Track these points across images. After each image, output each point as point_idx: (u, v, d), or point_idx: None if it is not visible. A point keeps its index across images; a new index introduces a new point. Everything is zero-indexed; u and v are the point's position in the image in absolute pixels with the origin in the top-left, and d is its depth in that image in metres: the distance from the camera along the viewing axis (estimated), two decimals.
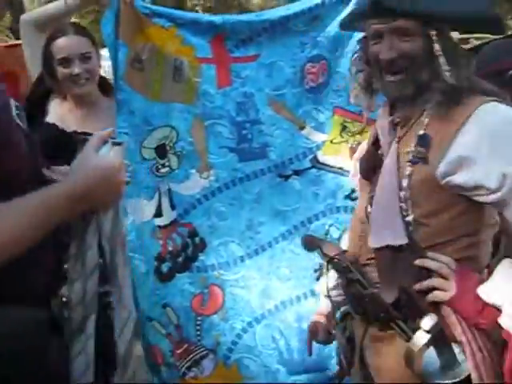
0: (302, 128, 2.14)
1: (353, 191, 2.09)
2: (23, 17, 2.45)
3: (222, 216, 2.04)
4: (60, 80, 2.13)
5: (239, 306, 2.04)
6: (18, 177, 1.15)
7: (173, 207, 2.01)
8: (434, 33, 1.35)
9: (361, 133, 2.11)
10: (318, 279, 2.04)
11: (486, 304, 1.26)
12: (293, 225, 2.10)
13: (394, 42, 1.37)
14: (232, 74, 2.05)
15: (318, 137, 2.14)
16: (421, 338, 1.25)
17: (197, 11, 17.88)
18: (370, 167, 1.49)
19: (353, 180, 2.00)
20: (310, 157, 2.14)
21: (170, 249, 2.02)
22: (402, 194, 1.37)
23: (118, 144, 1.16)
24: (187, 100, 2.00)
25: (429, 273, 1.33)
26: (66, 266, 1.30)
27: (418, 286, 1.33)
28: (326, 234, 2.11)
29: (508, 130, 1.31)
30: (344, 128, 2.13)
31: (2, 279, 1.10)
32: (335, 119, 2.14)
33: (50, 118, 2.17)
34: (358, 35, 1.81)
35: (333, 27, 2.07)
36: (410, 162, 1.37)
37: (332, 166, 2.14)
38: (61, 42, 2.07)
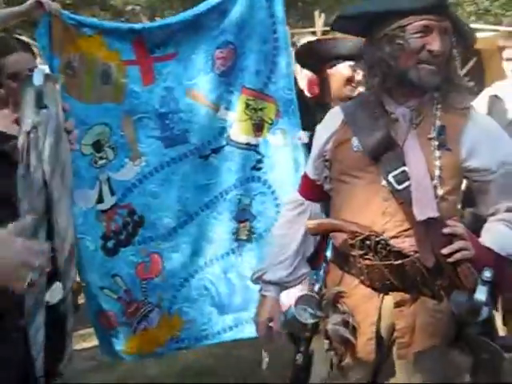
0: (217, 110, 2.40)
1: (258, 162, 2.42)
2: None
3: (155, 195, 2.35)
4: (6, 92, 2.19)
5: (175, 267, 2.41)
6: None
7: (112, 193, 2.30)
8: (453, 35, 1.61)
9: (262, 109, 2.39)
10: (235, 240, 2.44)
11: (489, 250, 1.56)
12: (214, 196, 2.43)
13: (443, 37, 1.58)
14: (155, 72, 2.30)
15: (230, 116, 2.41)
16: (482, 289, 1.48)
17: None
18: (381, 148, 1.62)
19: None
20: (225, 135, 2.43)
21: (113, 228, 2.32)
22: (436, 173, 1.59)
23: (54, 79, 1.24)
24: (116, 99, 2.26)
25: (450, 239, 1.54)
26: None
27: (447, 250, 1.53)
28: (239, 202, 2.45)
29: (498, 127, 1.67)
30: (247, 106, 2.39)
31: None
32: (240, 98, 2.40)
33: None
34: (259, 16, 2.23)
35: (236, 12, 2.30)
36: (437, 147, 1.60)
37: (240, 143, 2.43)
38: (12, 58, 2.14)
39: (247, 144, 2.43)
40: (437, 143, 1.60)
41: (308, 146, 2.25)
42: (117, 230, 2.30)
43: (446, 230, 1.55)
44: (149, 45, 2.30)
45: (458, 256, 1.53)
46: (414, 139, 1.62)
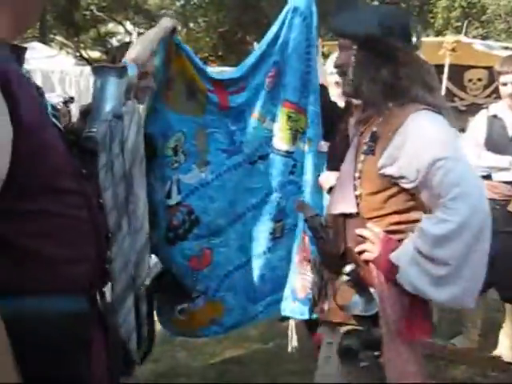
0: (264, 121, 2.69)
1: (293, 167, 2.70)
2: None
3: (212, 200, 2.60)
4: None
5: (222, 260, 2.65)
6: (60, 175, 1.20)
7: (178, 192, 2.56)
8: (355, 47, 1.74)
9: (297, 120, 2.68)
10: (272, 239, 2.71)
11: (393, 263, 1.65)
12: (260, 198, 2.71)
13: (340, 53, 1.83)
14: (230, 102, 2.62)
15: (275, 126, 2.70)
16: (343, 277, 1.75)
17: (91, 10, 17.91)
18: (343, 154, 1.88)
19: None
20: (270, 143, 2.71)
21: (174, 223, 2.56)
22: (356, 174, 1.74)
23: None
24: (196, 114, 2.58)
25: (365, 238, 1.71)
26: (108, 257, 1.39)
27: (357, 248, 1.72)
28: (278, 204, 2.71)
29: (422, 136, 1.63)
30: (289, 117, 2.69)
31: (46, 271, 1.17)
32: (283, 110, 2.69)
33: None
34: (298, 38, 2.54)
35: (282, 35, 2.58)
36: (363, 152, 1.73)
37: (281, 150, 2.70)
38: None
39: (286, 151, 2.70)
40: (365, 148, 1.73)
41: (327, 154, 2.62)
42: (177, 225, 2.54)
43: (356, 231, 1.72)
44: (225, 82, 2.62)
45: (362, 256, 1.72)
46: (353, 145, 1.81)
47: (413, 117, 1.64)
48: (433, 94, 1.71)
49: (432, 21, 17.82)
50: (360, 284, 1.74)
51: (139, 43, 2.23)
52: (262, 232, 2.72)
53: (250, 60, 2.64)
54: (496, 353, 3.42)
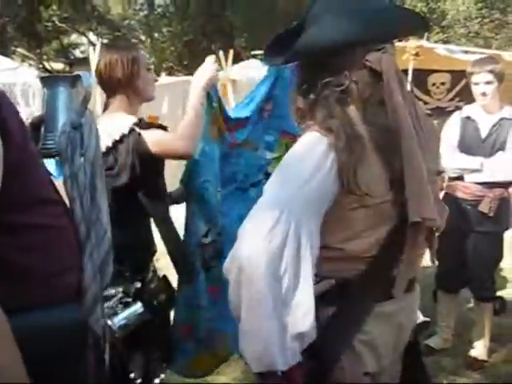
0: (257, 149, 2.72)
1: None
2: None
3: None
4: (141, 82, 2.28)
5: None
6: (43, 185, 1.25)
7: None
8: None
9: None
10: None
11: None
12: None
13: None
14: (237, 139, 2.63)
15: (269, 155, 2.74)
16: None
17: (53, 21, 17.59)
18: None
19: None
20: (263, 171, 2.73)
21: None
22: None
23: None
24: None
25: None
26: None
27: None
28: None
29: (286, 162, 1.48)
30: (287, 147, 2.60)
31: (38, 285, 1.17)
32: (281, 141, 2.75)
33: None
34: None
35: (279, 69, 2.60)
36: None
37: None
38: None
39: None
40: None
41: None
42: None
43: None
44: (233, 121, 2.62)
45: None
46: None
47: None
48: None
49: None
50: None
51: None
52: None
53: (256, 98, 2.66)
54: (470, 352, 3.45)
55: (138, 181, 2.12)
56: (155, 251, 2.36)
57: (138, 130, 2.12)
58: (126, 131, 2.11)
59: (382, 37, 1.45)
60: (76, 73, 1.87)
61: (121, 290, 2.12)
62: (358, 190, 1.36)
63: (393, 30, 1.50)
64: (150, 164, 2.14)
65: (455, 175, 3.38)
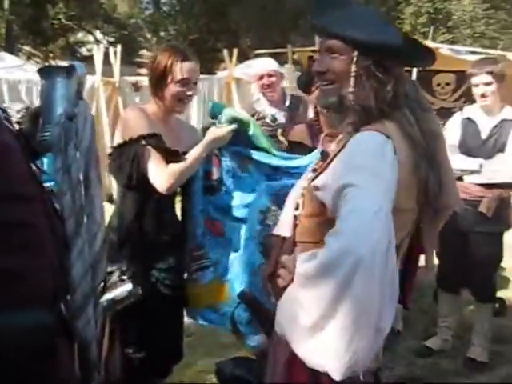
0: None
1: None
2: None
3: None
4: (171, 95, 2.30)
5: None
6: (21, 181, 1.18)
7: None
8: (355, 54, 1.45)
9: None
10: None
11: None
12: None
13: (324, 58, 1.50)
14: None
15: None
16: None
17: (60, 19, 17.65)
18: None
19: None
20: None
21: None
22: (301, 192, 1.58)
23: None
24: None
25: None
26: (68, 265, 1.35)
27: (277, 273, 1.57)
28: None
29: (344, 159, 1.42)
30: None
31: (11, 286, 1.13)
32: None
33: None
34: None
35: None
36: (312, 170, 1.61)
37: None
38: (187, 65, 2.28)
39: None
40: (316, 167, 1.60)
41: None
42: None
43: (280, 258, 1.57)
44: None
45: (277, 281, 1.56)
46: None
47: (353, 138, 1.43)
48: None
49: (399, 27, 18.08)
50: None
51: None
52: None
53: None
54: (469, 353, 3.44)
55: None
56: None
57: (143, 142, 2.18)
58: (134, 136, 2.19)
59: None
60: (70, 63, 1.84)
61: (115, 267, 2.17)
62: None
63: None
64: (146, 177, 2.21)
65: (455, 176, 3.37)
